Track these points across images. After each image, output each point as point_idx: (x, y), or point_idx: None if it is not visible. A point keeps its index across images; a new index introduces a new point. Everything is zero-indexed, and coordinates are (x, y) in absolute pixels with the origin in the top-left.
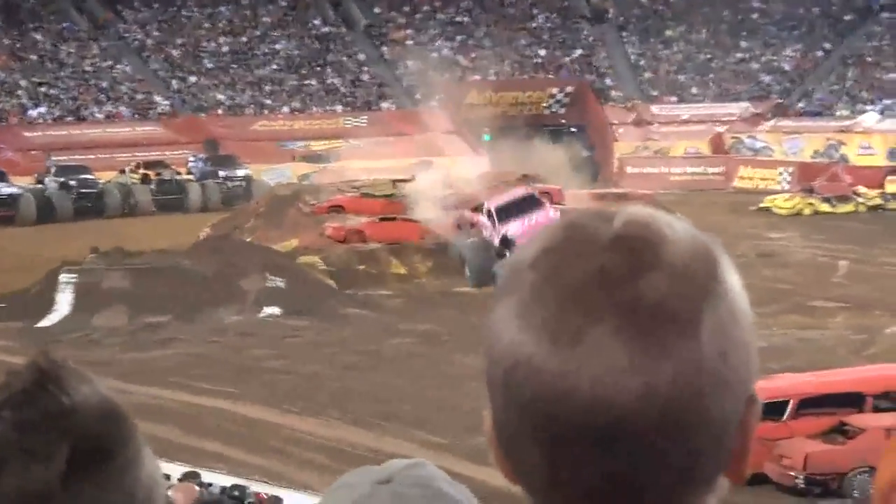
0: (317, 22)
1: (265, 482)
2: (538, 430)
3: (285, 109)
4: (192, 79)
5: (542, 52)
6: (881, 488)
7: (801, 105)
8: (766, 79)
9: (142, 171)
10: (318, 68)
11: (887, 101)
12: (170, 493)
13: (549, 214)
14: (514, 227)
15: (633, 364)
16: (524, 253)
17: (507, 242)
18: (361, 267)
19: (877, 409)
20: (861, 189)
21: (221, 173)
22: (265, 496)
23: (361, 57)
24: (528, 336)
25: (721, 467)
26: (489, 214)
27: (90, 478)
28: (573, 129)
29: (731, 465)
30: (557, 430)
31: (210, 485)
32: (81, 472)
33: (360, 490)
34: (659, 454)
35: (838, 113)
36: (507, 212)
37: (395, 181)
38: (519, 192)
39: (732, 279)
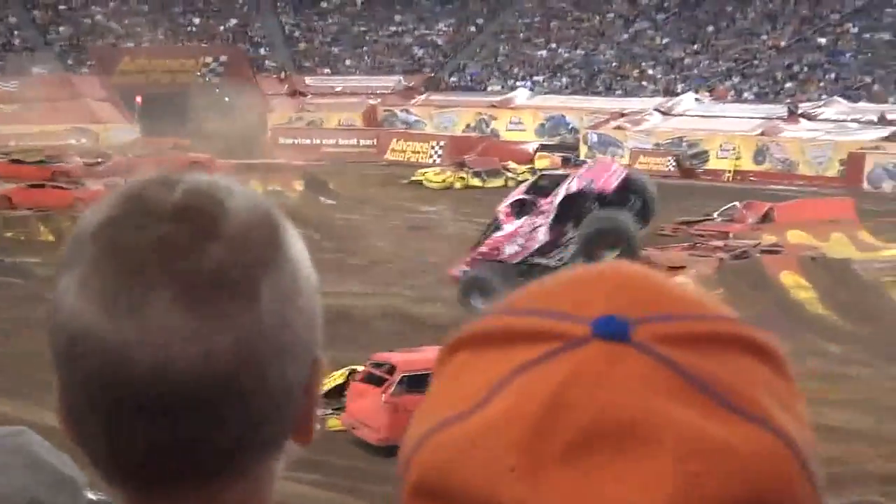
0: None
1: None
2: (98, 400)
3: None
4: None
5: (197, 21)
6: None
7: (453, 80)
8: (420, 52)
9: None
10: None
11: (537, 78)
12: None
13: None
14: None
15: (192, 333)
16: (86, 223)
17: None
18: (9, 234)
19: None
20: (511, 164)
21: None
22: None
23: (13, 20)
24: (88, 307)
25: (286, 431)
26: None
27: None
28: (226, 99)
29: (298, 428)
30: (117, 401)
31: None
32: None
33: None
34: (220, 421)
35: (490, 88)
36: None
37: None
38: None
39: (294, 247)
